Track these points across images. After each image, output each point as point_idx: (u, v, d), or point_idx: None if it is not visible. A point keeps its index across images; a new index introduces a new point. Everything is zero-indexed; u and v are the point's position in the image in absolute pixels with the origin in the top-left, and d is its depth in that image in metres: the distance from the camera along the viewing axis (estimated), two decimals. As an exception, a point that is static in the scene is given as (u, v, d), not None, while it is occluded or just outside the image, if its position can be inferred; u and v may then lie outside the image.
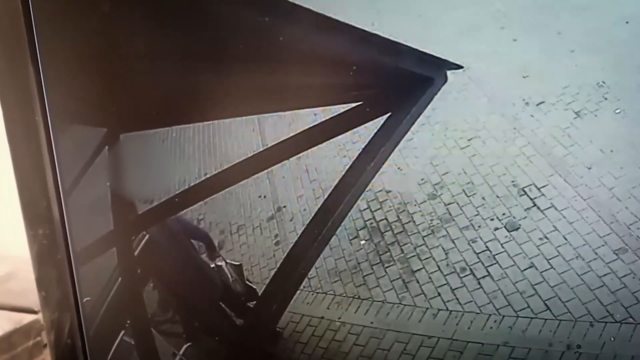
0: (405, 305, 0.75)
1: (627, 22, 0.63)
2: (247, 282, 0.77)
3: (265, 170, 0.74)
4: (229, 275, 0.77)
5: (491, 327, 0.72)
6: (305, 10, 0.64)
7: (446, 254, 0.74)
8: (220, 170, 0.75)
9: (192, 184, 0.75)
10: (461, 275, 0.73)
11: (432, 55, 0.66)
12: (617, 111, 0.66)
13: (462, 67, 0.67)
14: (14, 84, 0.68)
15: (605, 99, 0.66)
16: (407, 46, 0.66)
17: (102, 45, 0.68)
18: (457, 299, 0.73)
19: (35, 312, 1.37)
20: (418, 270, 0.74)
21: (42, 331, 1.36)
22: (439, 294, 0.74)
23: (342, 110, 0.71)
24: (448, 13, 0.65)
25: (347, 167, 0.73)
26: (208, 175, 0.75)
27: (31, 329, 1.33)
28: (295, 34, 0.65)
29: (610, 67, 0.65)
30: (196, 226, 0.75)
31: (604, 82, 0.66)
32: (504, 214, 0.72)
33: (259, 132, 0.74)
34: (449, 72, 0.68)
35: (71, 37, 0.67)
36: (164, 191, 0.76)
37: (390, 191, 0.74)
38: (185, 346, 0.82)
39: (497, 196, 0.71)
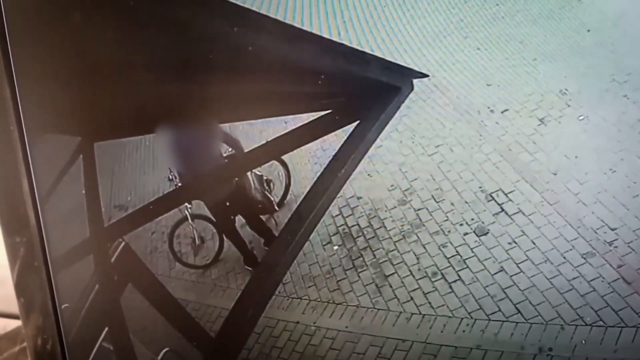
0: (379, 309, 0.76)
1: (588, 31, 0.64)
2: (266, 193, 0.77)
3: (237, 178, 0.75)
4: (252, 183, 0.77)
5: (464, 331, 0.72)
6: (273, 20, 0.65)
7: (417, 258, 0.75)
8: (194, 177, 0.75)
9: (166, 192, 0.76)
10: (433, 279, 0.74)
11: (398, 64, 0.67)
12: (581, 118, 0.67)
13: (427, 76, 0.68)
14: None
15: (569, 106, 0.67)
16: (373, 55, 0.67)
17: (75, 54, 0.68)
18: (430, 303, 0.74)
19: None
20: (390, 274, 0.75)
21: (29, 337, 1.36)
22: (412, 298, 0.74)
23: (312, 118, 0.72)
24: (412, 23, 0.66)
25: (318, 174, 0.74)
26: (181, 183, 0.75)
27: (17, 335, 1.33)
28: (263, 44, 0.66)
29: (573, 74, 0.66)
30: (227, 132, 0.75)
31: (566, 90, 0.67)
32: (472, 219, 0.72)
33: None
34: (415, 81, 0.69)
35: (44, 47, 0.68)
36: (138, 199, 0.77)
37: (361, 197, 0.75)
38: (164, 351, 0.82)
39: (466, 202, 0.72)
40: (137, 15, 0.65)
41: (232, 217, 0.78)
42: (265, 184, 0.77)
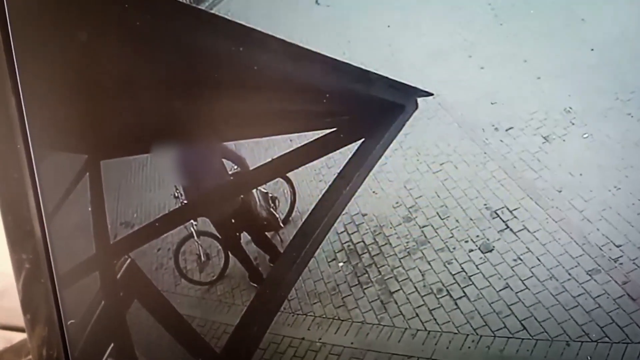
0: (384, 325, 0.76)
1: (592, 49, 0.65)
2: (271, 210, 0.78)
3: (243, 195, 0.75)
4: (257, 201, 0.78)
5: (469, 347, 0.73)
6: (278, 40, 0.66)
7: (423, 275, 0.75)
8: (199, 194, 0.76)
9: (172, 209, 0.76)
10: (438, 296, 0.75)
11: (402, 83, 0.68)
12: (585, 135, 0.68)
13: (432, 94, 0.69)
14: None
15: (573, 124, 0.68)
16: (377, 74, 0.67)
17: (81, 74, 0.69)
18: (435, 319, 0.74)
19: (24, 331, 1.38)
20: (396, 291, 0.76)
21: (34, 350, 1.37)
22: (417, 315, 0.75)
23: (317, 136, 0.73)
24: (416, 42, 0.68)
25: (324, 191, 0.74)
26: (187, 200, 0.76)
27: (22, 348, 1.33)
28: (269, 63, 0.67)
29: (577, 93, 0.67)
30: (232, 150, 0.75)
31: (571, 108, 0.67)
32: (477, 236, 0.73)
33: (236, 157, 0.76)
34: (419, 99, 0.69)
35: (51, 67, 0.69)
36: (144, 216, 0.78)
37: (366, 214, 0.75)
38: (168, 367, 0.83)
39: (471, 219, 0.73)
40: (144, 36, 0.66)
41: (237, 234, 0.79)
42: (270, 201, 0.78)
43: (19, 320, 1.40)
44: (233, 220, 0.78)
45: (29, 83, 0.68)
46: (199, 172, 0.76)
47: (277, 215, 0.78)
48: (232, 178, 0.76)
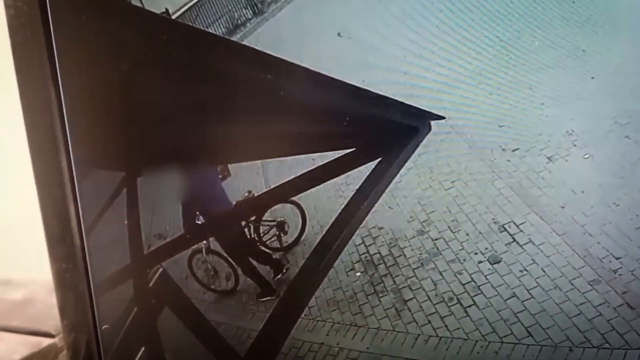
0: (398, 332, 0.80)
1: (592, 78, 0.69)
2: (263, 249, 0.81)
3: (269, 209, 0.79)
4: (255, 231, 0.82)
5: (478, 352, 0.76)
6: (302, 68, 0.70)
7: (435, 284, 0.78)
8: (227, 209, 0.80)
9: (202, 222, 0.81)
10: (449, 304, 0.78)
11: (417, 107, 0.72)
12: (586, 156, 0.71)
13: (444, 118, 0.73)
14: (42, 134, 0.75)
15: (575, 145, 0.71)
16: (394, 99, 0.72)
17: (121, 99, 0.74)
18: (446, 326, 0.78)
19: (52, 336, 1.42)
20: (409, 299, 0.79)
21: (59, 354, 1.41)
22: (429, 322, 0.78)
23: (337, 155, 0.77)
24: (430, 71, 0.71)
25: (343, 206, 0.78)
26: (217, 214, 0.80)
27: (49, 353, 1.38)
28: (294, 89, 0.71)
29: (579, 117, 0.71)
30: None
31: (572, 131, 0.71)
32: (486, 249, 0.76)
33: (262, 175, 0.80)
34: (432, 122, 0.73)
35: (94, 93, 0.74)
36: (176, 228, 0.82)
37: (382, 228, 0.79)
38: (195, 370, 0.87)
39: (480, 232, 0.76)
40: (180, 65, 0.71)
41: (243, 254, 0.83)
42: (276, 228, 0.82)
43: (45, 326, 1.46)
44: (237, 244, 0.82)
45: (73, 107, 0.73)
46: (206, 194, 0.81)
47: (282, 243, 0.82)
48: (256, 195, 0.80)
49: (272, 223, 0.82)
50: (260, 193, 0.79)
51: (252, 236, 0.83)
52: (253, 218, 0.82)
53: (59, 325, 1.48)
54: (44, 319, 1.49)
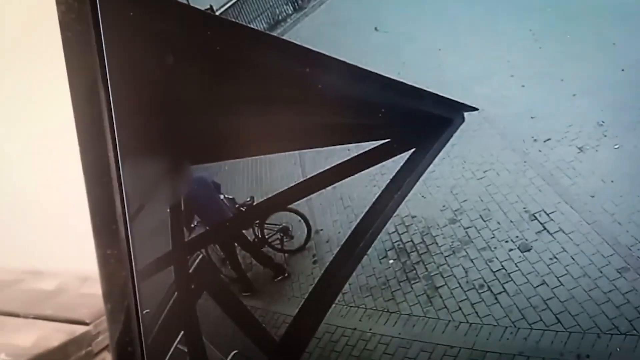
0: (429, 318, 0.82)
1: (622, 70, 0.70)
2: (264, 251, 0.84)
3: (305, 198, 0.82)
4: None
5: (507, 339, 0.78)
6: (340, 62, 0.73)
7: (466, 272, 0.80)
8: (265, 197, 0.83)
9: (241, 210, 0.84)
10: (480, 291, 0.80)
11: (450, 99, 0.74)
12: (616, 147, 0.73)
13: (477, 109, 0.75)
14: (91, 125, 0.78)
15: (605, 136, 0.73)
16: (428, 91, 0.74)
17: (167, 90, 0.78)
18: (477, 313, 0.80)
19: (86, 324, 1.47)
20: (441, 286, 0.81)
21: (93, 341, 1.46)
22: (460, 308, 0.80)
23: (372, 146, 0.79)
24: (463, 63, 0.73)
25: (377, 195, 0.80)
26: (255, 202, 0.83)
27: (83, 340, 1.43)
28: (332, 82, 0.74)
29: (609, 108, 0.72)
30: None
31: (603, 122, 0.72)
32: (517, 237, 0.78)
33: (299, 165, 0.82)
34: (465, 114, 0.75)
35: (139, 85, 0.78)
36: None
37: (415, 216, 0.81)
38: (232, 353, 0.90)
39: (511, 221, 0.78)
40: (223, 59, 0.74)
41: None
42: (279, 233, 0.84)
43: (78, 314, 1.50)
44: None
45: (120, 99, 0.77)
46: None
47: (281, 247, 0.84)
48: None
49: (276, 227, 0.85)
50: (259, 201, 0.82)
51: (256, 237, 0.85)
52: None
53: (92, 313, 1.54)
54: (77, 307, 1.55)
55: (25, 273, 1.77)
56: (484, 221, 0.78)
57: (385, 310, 0.83)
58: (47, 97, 1.41)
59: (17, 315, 1.48)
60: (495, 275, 0.79)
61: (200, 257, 0.86)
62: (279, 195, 0.82)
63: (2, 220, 1.84)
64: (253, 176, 0.83)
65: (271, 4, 0.71)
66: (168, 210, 0.84)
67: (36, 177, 1.76)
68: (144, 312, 0.88)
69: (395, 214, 0.80)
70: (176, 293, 0.87)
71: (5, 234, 1.82)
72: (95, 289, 0.92)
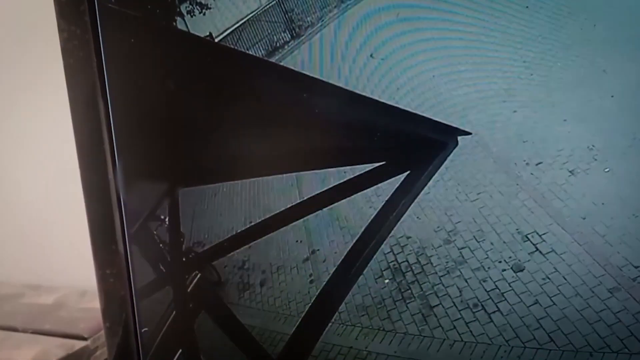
0: (424, 336, 0.82)
1: (612, 96, 0.72)
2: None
3: (302, 219, 0.83)
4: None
5: (501, 357, 0.79)
6: (336, 87, 0.74)
7: (460, 291, 0.81)
8: (263, 219, 0.84)
9: (238, 231, 0.85)
10: (474, 310, 0.81)
11: (444, 124, 0.76)
12: (606, 170, 0.74)
13: (470, 134, 0.76)
14: (92, 148, 0.80)
15: (595, 159, 0.74)
16: (422, 116, 0.75)
17: (167, 115, 0.79)
18: (471, 331, 0.81)
19: (84, 339, 1.48)
20: (436, 305, 0.82)
21: (92, 356, 1.47)
22: (455, 327, 0.81)
23: (368, 168, 0.80)
24: (457, 90, 0.75)
25: (372, 216, 0.81)
26: (252, 223, 0.85)
27: (82, 355, 1.43)
28: (328, 107, 0.76)
29: (599, 133, 0.73)
30: None
31: (593, 146, 0.74)
32: (510, 257, 0.79)
33: (296, 186, 0.83)
34: (459, 138, 0.77)
35: (140, 109, 0.79)
36: (214, 237, 0.86)
37: (410, 237, 0.82)
38: (230, 371, 0.91)
39: (504, 242, 0.79)
40: (222, 83, 0.76)
41: None
42: None
43: (77, 329, 1.52)
44: None
45: (121, 123, 0.79)
46: None
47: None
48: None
49: None
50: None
51: None
52: None
53: (90, 328, 1.56)
54: (76, 322, 1.56)
55: (25, 287, 1.78)
56: (478, 242, 0.79)
57: (381, 329, 0.84)
58: (49, 120, 1.43)
59: (16, 330, 1.49)
60: (489, 295, 0.80)
61: (198, 276, 0.88)
62: (276, 216, 0.83)
63: (2, 234, 1.85)
64: (250, 197, 0.85)
65: (269, 31, 0.73)
66: (166, 230, 0.86)
67: (36, 191, 1.77)
68: (143, 330, 0.89)
69: (390, 235, 0.81)
70: (174, 312, 0.89)
71: (5, 248, 1.83)
72: (94, 303, 0.93)
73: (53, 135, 1.36)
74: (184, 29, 0.75)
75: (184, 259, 0.87)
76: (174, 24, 0.75)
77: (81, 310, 1.58)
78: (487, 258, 0.80)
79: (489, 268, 0.80)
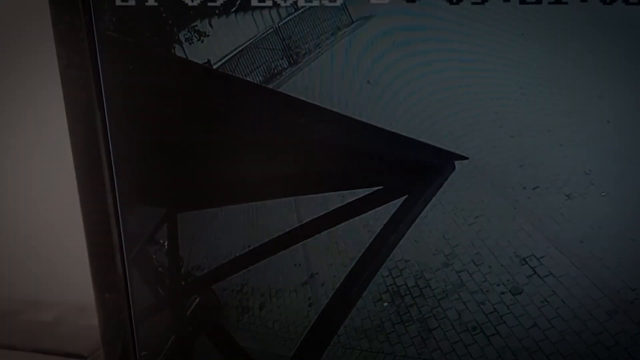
0: (424, 359, 0.83)
1: (608, 121, 0.72)
2: None
3: (300, 243, 0.84)
4: None
5: None
6: (334, 113, 0.75)
7: (459, 314, 0.81)
8: (261, 242, 0.84)
9: (237, 255, 0.85)
10: (473, 333, 0.81)
11: (441, 149, 0.76)
12: (603, 194, 0.75)
13: (467, 158, 0.77)
14: (91, 173, 0.80)
15: (592, 184, 0.75)
16: (420, 141, 0.76)
17: (166, 140, 0.80)
18: (470, 354, 0.81)
19: (84, 357, 1.47)
20: (435, 328, 0.82)
21: (91, 376, 1.46)
22: (454, 350, 0.82)
23: (366, 192, 0.81)
24: (455, 115, 0.75)
25: (371, 240, 0.82)
26: (251, 247, 0.85)
27: (82, 374, 1.43)
28: (326, 132, 0.76)
29: (595, 158, 0.74)
30: None
31: (590, 170, 0.74)
32: (508, 280, 0.79)
33: (295, 210, 0.83)
34: (456, 162, 0.77)
35: (139, 135, 0.80)
36: (213, 260, 0.87)
37: (408, 260, 0.82)
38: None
39: (502, 265, 0.79)
40: (219, 110, 0.76)
41: None
42: None
43: (76, 347, 1.51)
44: None
45: (120, 149, 0.79)
46: None
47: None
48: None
49: None
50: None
51: None
52: None
53: (89, 347, 1.55)
54: (75, 339, 1.55)
55: (23, 303, 1.77)
56: (476, 265, 0.80)
57: (381, 351, 0.84)
58: (48, 140, 1.43)
59: (15, 349, 1.48)
60: (487, 318, 0.80)
61: (197, 300, 0.88)
62: (275, 240, 0.83)
63: (1, 250, 1.85)
64: (249, 222, 0.85)
65: (267, 58, 0.73)
66: (165, 254, 0.86)
67: (34, 207, 1.77)
68: (142, 354, 0.89)
69: (389, 258, 0.81)
70: (174, 335, 0.89)
71: (4, 264, 1.82)
72: (93, 320, 0.93)
73: (54, 152, 1.36)
74: (183, 55, 0.76)
75: (183, 283, 0.87)
76: (173, 51, 0.76)
77: (81, 328, 1.58)
78: (485, 281, 0.81)
79: (487, 291, 0.80)
